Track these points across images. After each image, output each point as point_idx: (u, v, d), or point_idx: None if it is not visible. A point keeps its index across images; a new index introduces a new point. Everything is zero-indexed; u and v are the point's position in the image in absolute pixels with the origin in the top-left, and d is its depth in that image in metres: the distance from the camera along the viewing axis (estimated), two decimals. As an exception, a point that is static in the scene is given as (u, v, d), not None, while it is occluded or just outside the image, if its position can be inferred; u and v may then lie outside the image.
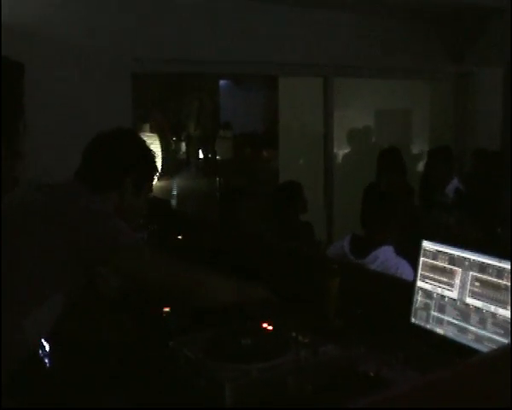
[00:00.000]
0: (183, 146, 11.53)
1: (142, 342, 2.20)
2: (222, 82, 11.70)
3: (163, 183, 7.75)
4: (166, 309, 2.36)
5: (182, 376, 1.87)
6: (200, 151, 11.40)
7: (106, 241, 1.96)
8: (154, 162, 2.28)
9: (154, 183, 2.31)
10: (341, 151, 6.86)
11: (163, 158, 6.71)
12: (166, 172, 7.83)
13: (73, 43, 4.21)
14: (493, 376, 1.59)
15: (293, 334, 1.96)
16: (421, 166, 6.22)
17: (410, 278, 3.00)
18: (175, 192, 8.82)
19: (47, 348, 2.21)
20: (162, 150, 6.92)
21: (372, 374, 1.83)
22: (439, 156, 5.07)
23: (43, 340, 2.17)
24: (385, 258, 3.06)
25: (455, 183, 4.89)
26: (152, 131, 8.64)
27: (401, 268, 3.00)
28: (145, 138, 2.36)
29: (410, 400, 1.42)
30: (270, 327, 2.05)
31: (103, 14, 4.42)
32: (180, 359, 1.89)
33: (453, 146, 5.72)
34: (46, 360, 2.19)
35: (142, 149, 2.23)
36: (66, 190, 2.08)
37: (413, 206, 4.86)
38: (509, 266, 1.93)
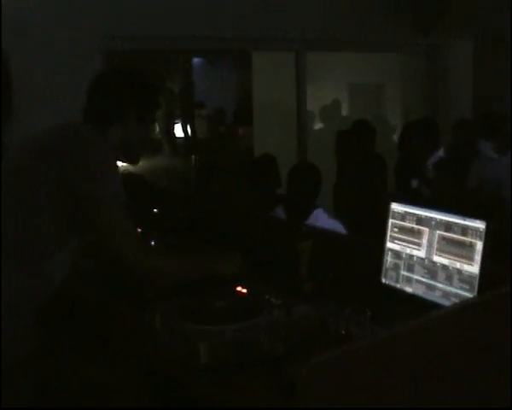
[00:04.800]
0: (159, 126, 11.49)
1: (119, 308, 2.23)
2: (195, 61, 11.63)
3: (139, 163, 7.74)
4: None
5: (158, 338, 1.91)
6: (177, 130, 11.38)
7: (94, 170, 1.98)
8: (155, 93, 2.31)
9: (155, 115, 2.33)
10: (315, 126, 6.89)
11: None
12: (143, 153, 7.82)
13: (38, 21, 4.15)
14: (459, 326, 1.67)
15: (267, 296, 2.01)
16: (395, 139, 6.27)
17: None
18: (151, 170, 8.79)
19: None
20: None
21: (343, 332, 1.89)
22: (417, 129, 4.81)
23: None
24: (321, 221, 3.33)
25: (440, 154, 4.59)
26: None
27: (338, 230, 3.29)
28: None
29: (375, 352, 1.48)
30: (244, 290, 2.10)
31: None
32: (156, 322, 1.93)
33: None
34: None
35: (142, 81, 2.25)
36: (67, 127, 2.12)
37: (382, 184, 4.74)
38: (473, 224, 1.99)
